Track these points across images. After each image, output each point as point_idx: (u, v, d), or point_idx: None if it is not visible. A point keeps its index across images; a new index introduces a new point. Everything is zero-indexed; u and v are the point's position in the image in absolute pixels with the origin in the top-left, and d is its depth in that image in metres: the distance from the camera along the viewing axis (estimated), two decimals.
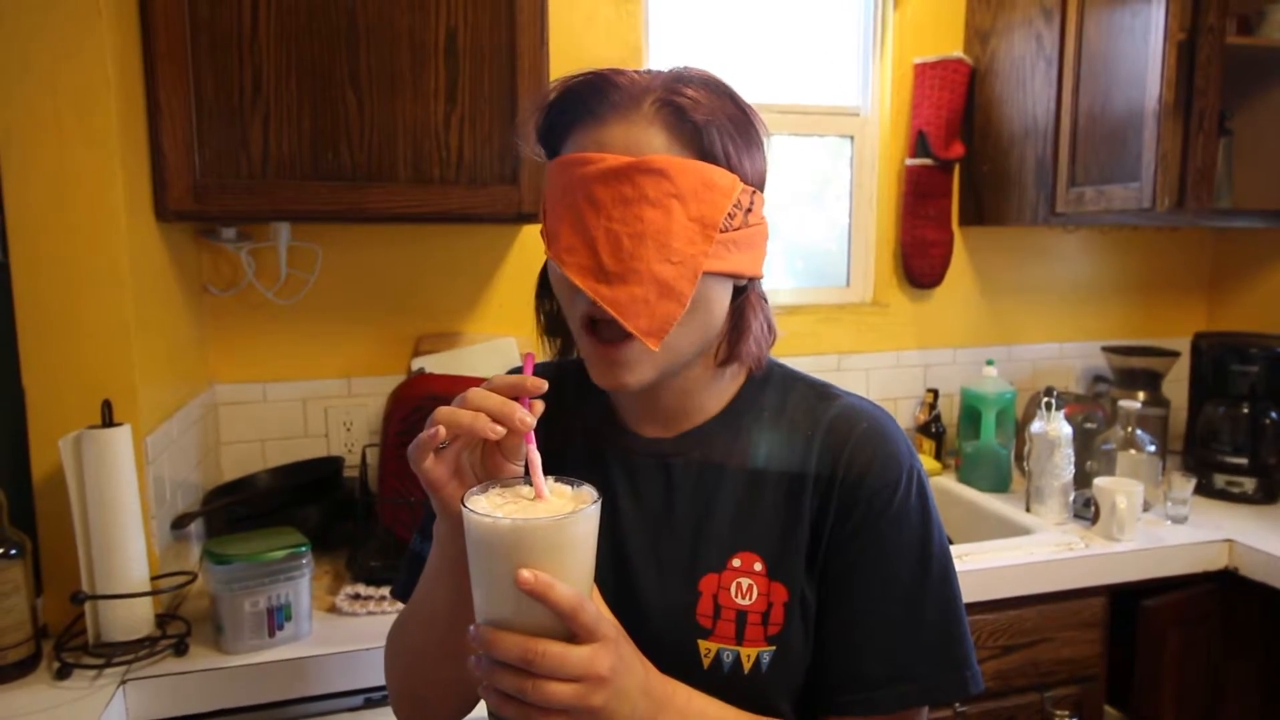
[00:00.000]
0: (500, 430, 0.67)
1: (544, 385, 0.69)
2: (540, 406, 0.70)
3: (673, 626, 0.79)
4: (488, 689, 0.65)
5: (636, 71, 0.77)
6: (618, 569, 0.82)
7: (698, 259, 0.72)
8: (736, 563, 0.80)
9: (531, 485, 0.68)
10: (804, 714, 0.82)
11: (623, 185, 0.72)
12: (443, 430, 0.67)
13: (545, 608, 0.62)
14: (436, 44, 1.50)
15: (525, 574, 0.61)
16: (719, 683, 0.77)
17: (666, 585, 0.81)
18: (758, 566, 0.80)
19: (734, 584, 0.79)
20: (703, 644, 0.79)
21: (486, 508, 0.65)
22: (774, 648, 0.79)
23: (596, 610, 0.64)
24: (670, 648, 0.77)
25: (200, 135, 1.42)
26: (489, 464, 0.72)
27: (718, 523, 0.81)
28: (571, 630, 0.63)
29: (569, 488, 0.69)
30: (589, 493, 0.67)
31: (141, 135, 1.39)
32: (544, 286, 0.88)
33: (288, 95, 1.45)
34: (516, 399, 0.69)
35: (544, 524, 0.62)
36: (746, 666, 0.78)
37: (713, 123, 0.74)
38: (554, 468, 0.70)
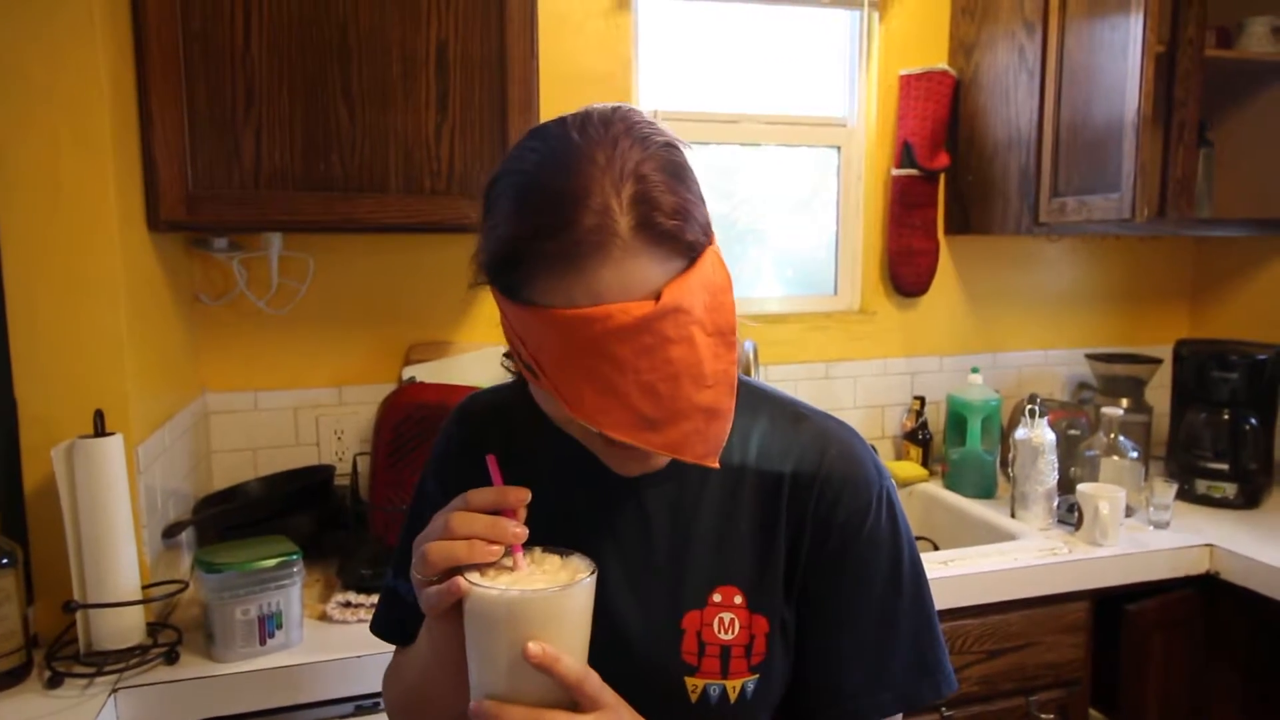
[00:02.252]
0: (497, 551, 0.67)
1: (527, 496, 0.69)
2: (524, 513, 0.69)
3: (659, 665, 0.79)
4: None
5: (591, 185, 0.64)
6: (597, 606, 0.82)
7: (730, 371, 0.69)
8: (717, 598, 0.80)
9: (519, 556, 0.69)
10: None
11: (641, 336, 0.64)
12: (462, 584, 0.66)
13: (547, 679, 0.62)
14: (427, 56, 1.52)
15: (534, 647, 0.62)
16: (705, 716, 0.78)
17: (649, 623, 0.80)
18: (738, 599, 0.80)
19: (716, 619, 0.79)
20: (689, 681, 0.79)
21: (485, 580, 0.65)
22: (757, 676, 0.79)
23: (599, 679, 0.65)
24: (657, 686, 0.78)
25: (193, 146, 1.43)
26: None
27: (695, 556, 0.81)
28: (576, 700, 0.64)
29: (557, 557, 0.69)
30: (580, 561, 0.68)
31: (134, 146, 1.40)
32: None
33: (280, 106, 1.46)
34: (498, 511, 0.68)
35: (546, 596, 0.63)
36: (733, 698, 0.79)
37: (684, 216, 0.66)
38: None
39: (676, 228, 0.65)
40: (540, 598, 0.63)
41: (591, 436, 0.74)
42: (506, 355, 0.77)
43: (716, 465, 0.70)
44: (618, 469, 0.76)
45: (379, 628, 0.93)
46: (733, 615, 0.79)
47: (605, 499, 0.83)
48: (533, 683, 0.63)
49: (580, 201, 0.64)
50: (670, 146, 0.69)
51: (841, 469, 0.81)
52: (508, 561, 0.68)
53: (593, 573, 0.66)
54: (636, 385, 0.65)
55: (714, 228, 0.71)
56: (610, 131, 0.67)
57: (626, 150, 0.66)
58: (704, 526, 0.81)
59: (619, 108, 0.70)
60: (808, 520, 0.80)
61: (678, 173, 0.68)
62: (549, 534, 0.72)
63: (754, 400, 0.86)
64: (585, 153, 0.66)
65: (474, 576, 0.66)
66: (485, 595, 0.63)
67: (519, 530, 0.67)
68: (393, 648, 0.95)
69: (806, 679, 0.81)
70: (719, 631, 0.79)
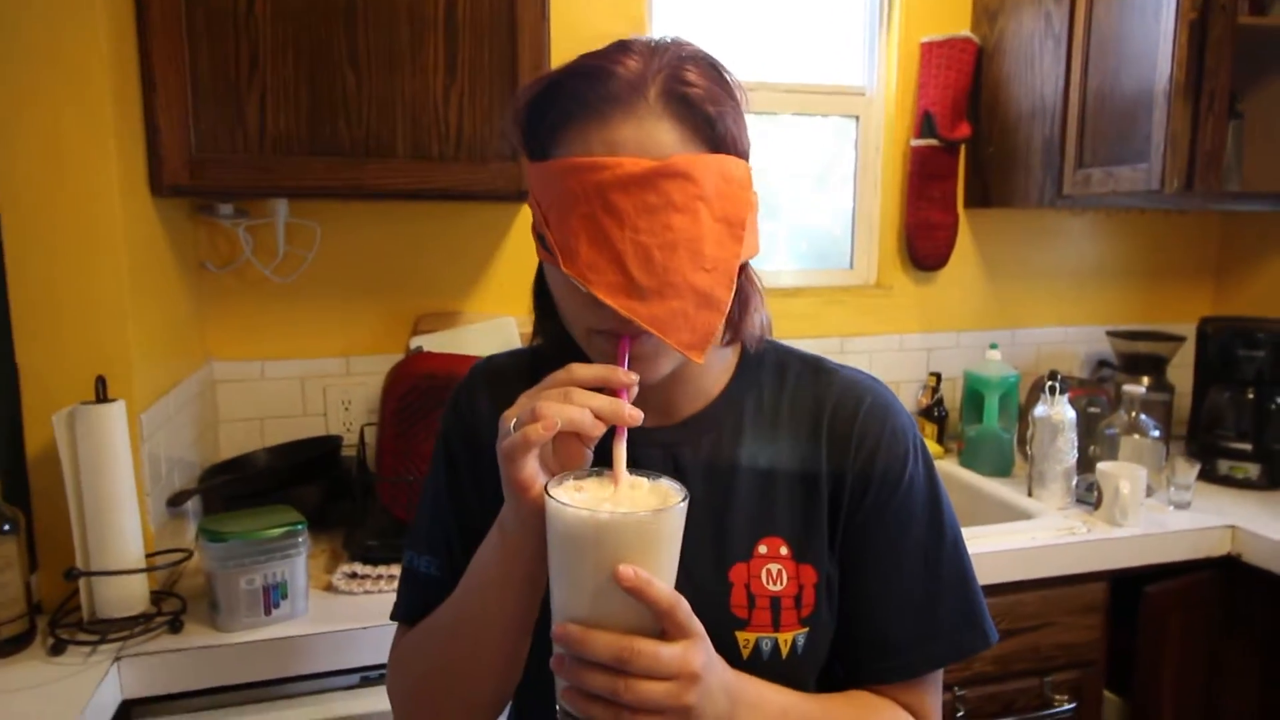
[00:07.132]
0: (603, 427, 0.64)
1: (635, 379, 0.66)
2: (635, 393, 0.67)
3: (709, 620, 0.76)
4: (572, 690, 0.62)
5: (629, 56, 0.70)
6: None
7: (731, 262, 0.69)
8: (763, 549, 0.80)
9: (603, 475, 0.66)
10: (823, 686, 0.83)
11: (646, 193, 0.66)
12: (558, 422, 0.62)
13: (636, 604, 0.60)
14: (436, 17, 1.48)
15: (626, 570, 0.59)
16: (757, 671, 0.76)
17: (696, 579, 0.78)
18: (783, 550, 0.80)
19: (764, 570, 0.79)
20: (740, 635, 0.78)
21: (576, 500, 0.62)
22: (808, 629, 0.79)
23: (689, 606, 0.63)
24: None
25: (196, 110, 1.41)
26: (564, 453, 0.68)
27: (737, 510, 0.80)
28: (664, 627, 0.62)
29: (646, 480, 0.66)
30: (670, 485, 0.65)
31: (136, 110, 1.37)
32: (541, 285, 0.82)
33: (285, 70, 1.43)
34: (612, 391, 0.66)
35: (641, 519, 0.60)
36: (784, 651, 0.78)
37: (721, 110, 0.70)
38: None
39: (706, 111, 0.69)
40: (633, 520, 0.60)
41: (592, 337, 0.73)
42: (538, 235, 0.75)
43: (700, 360, 0.69)
44: None
45: (403, 613, 0.88)
46: (780, 566, 0.79)
47: (640, 456, 0.81)
48: (620, 608, 0.60)
49: (616, 64, 0.68)
50: (717, 65, 0.73)
51: (878, 419, 0.82)
52: (596, 482, 0.65)
53: (685, 497, 0.63)
54: (633, 245, 0.66)
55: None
56: (684, 46, 0.72)
57: (669, 46, 0.71)
58: (742, 481, 0.81)
59: (705, 51, 0.75)
60: (848, 472, 0.81)
61: (719, 79, 0.72)
62: None
63: (781, 356, 0.88)
64: (626, 44, 0.71)
65: (561, 495, 0.62)
66: (575, 515, 0.60)
67: (635, 412, 0.64)
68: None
69: (853, 634, 0.82)
70: (767, 583, 0.79)
